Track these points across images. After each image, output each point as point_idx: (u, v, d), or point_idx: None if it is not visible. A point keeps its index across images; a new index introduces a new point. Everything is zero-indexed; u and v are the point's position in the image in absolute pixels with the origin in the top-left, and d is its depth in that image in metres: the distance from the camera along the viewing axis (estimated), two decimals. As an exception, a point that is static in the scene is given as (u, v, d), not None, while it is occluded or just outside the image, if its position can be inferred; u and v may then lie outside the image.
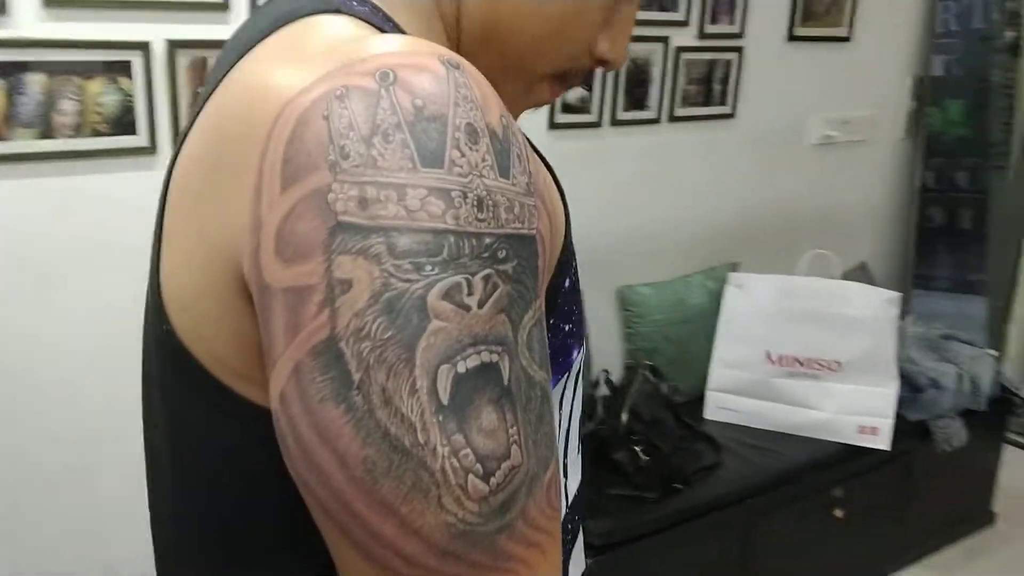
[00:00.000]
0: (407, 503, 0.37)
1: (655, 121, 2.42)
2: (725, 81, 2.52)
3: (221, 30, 1.74)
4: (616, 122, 2.35)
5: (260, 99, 0.44)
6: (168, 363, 0.50)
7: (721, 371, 2.45)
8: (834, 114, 2.80)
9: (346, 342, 0.38)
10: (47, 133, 1.65)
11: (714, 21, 2.43)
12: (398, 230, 0.38)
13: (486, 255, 0.39)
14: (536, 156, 0.55)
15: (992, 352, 2.75)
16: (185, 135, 0.51)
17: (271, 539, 0.50)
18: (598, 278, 2.48)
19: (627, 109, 2.35)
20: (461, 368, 0.38)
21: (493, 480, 0.38)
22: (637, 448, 2.06)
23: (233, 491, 0.50)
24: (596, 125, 2.32)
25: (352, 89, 0.40)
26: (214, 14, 1.73)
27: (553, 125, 2.24)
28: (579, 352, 0.57)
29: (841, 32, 2.73)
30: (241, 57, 0.49)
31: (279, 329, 0.40)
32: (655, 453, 2.09)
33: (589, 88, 0.72)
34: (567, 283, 0.53)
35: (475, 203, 0.39)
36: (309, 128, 0.40)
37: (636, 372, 2.25)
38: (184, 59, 1.72)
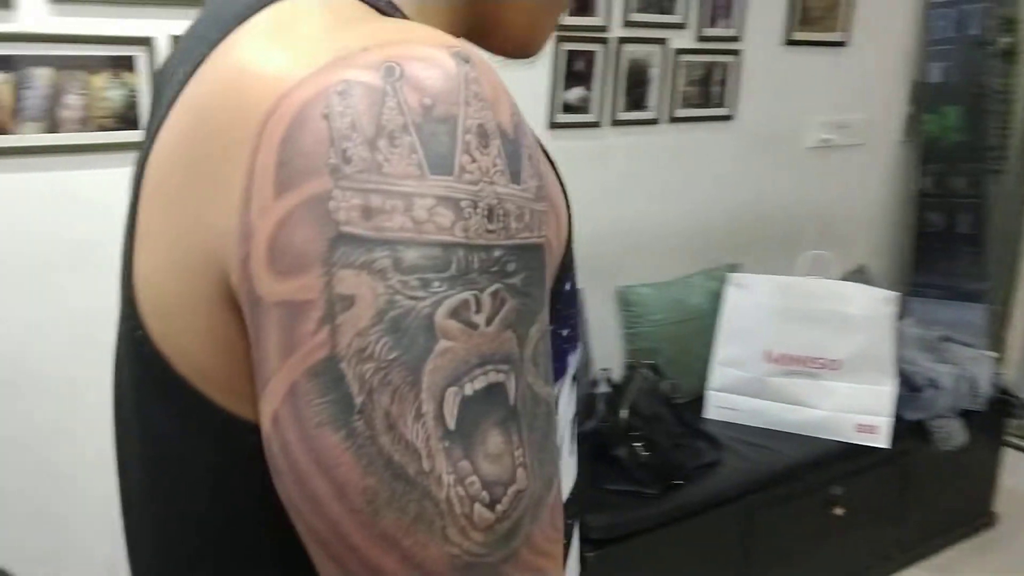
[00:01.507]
0: (410, 535, 0.35)
1: (654, 122, 2.44)
2: (723, 83, 2.54)
3: (225, 27, 1.76)
4: (616, 122, 2.37)
5: (249, 89, 0.40)
6: (142, 371, 0.46)
7: (721, 370, 2.46)
8: (831, 118, 2.83)
9: (347, 362, 0.35)
10: (53, 127, 1.67)
11: (712, 24, 2.46)
12: (404, 243, 0.35)
13: (495, 269, 0.37)
14: (541, 152, 0.50)
15: (991, 354, 2.76)
16: (161, 121, 0.46)
17: (260, 567, 0.46)
18: (597, 278, 2.49)
19: (627, 109, 2.38)
20: (468, 390, 0.36)
21: (499, 507, 0.36)
22: (636, 444, 2.07)
23: (216, 514, 0.46)
24: (595, 125, 2.34)
25: (354, 84, 0.37)
26: (218, 11, 1.75)
27: (552, 124, 2.27)
28: (574, 355, 0.55)
29: (837, 37, 2.76)
30: (225, 34, 0.44)
31: (272, 346, 0.37)
32: (654, 449, 2.09)
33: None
34: (567, 287, 0.51)
35: (485, 213, 0.37)
36: (307, 127, 0.36)
37: (636, 370, 2.26)
38: (188, 55, 1.74)
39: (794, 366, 2.38)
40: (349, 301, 0.35)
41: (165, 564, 0.50)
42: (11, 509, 1.77)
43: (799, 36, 2.66)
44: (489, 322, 0.37)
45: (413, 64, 0.38)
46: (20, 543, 1.76)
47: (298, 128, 0.37)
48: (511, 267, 0.38)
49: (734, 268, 2.63)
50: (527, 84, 2.21)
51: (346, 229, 0.35)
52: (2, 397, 1.72)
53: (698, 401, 2.47)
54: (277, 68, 0.39)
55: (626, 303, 2.53)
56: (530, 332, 0.39)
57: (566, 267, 0.49)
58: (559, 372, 0.52)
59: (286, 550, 0.40)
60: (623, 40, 2.31)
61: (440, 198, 0.36)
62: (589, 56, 2.27)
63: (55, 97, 1.66)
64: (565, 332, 0.51)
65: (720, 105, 2.56)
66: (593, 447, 2.18)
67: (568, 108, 2.28)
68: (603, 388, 2.33)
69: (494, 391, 0.37)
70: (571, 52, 2.23)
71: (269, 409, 0.37)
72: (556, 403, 0.54)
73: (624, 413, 2.11)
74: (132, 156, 1.73)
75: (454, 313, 0.36)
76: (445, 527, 0.35)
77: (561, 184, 0.53)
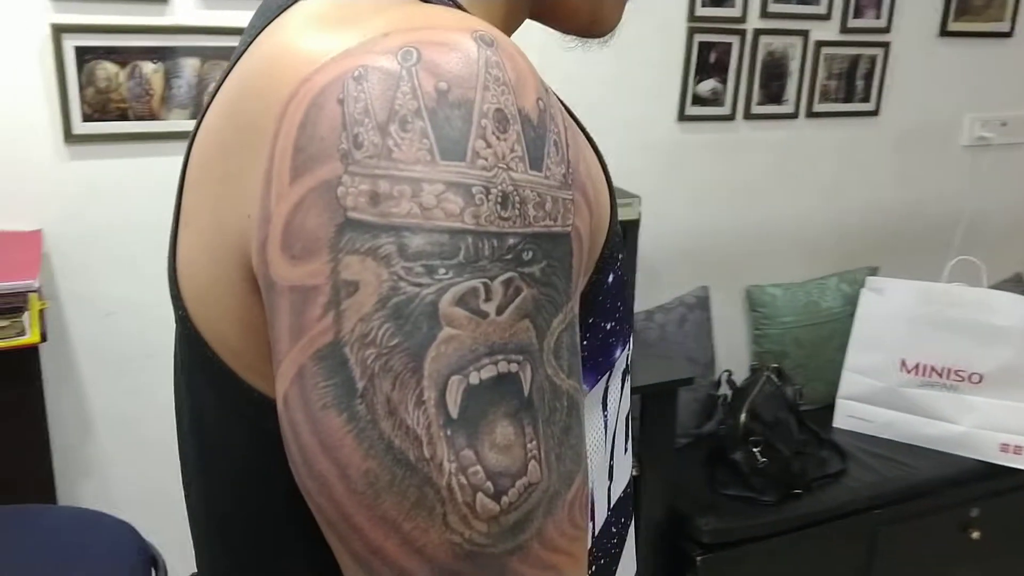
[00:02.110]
0: (410, 520, 0.35)
1: (792, 116, 2.35)
2: (869, 77, 2.42)
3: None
4: (750, 116, 2.30)
5: (275, 76, 0.40)
6: (187, 349, 0.47)
7: (852, 378, 2.35)
8: (990, 114, 2.64)
9: (350, 347, 0.35)
10: (198, 113, 1.77)
11: (858, 15, 2.34)
12: (410, 229, 0.35)
13: (509, 257, 0.36)
14: (582, 137, 0.48)
15: None
16: (207, 108, 0.47)
17: (293, 542, 0.46)
18: (726, 276, 2.43)
19: (762, 103, 2.30)
20: (474, 379, 0.35)
21: (505, 499, 0.35)
22: (755, 449, 2.01)
23: (253, 490, 0.46)
24: (729, 118, 2.28)
25: (371, 70, 0.36)
26: (354, 4, 1.81)
27: (683, 117, 2.22)
28: (623, 350, 0.53)
29: (1002, 27, 2.57)
30: (268, 23, 0.44)
31: (284, 329, 0.37)
32: (774, 456, 2.03)
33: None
34: (611, 278, 0.48)
35: (499, 200, 0.36)
36: (323, 112, 0.36)
37: (760, 373, 2.19)
38: (324, 46, 1.81)
39: (932, 377, 2.25)
40: (354, 287, 0.35)
41: (213, 536, 0.52)
42: (176, 504, 1.90)
43: (957, 27, 2.50)
44: (501, 311, 0.36)
45: (431, 48, 0.37)
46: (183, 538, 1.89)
47: (315, 113, 0.37)
48: (528, 255, 0.37)
49: (873, 272, 2.51)
50: (657, 75, 2.18)
51: (353, 215, 0.35)
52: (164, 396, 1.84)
53: (827, 409, 2.37)
54: (302, 55, 0.39)
55: (755, 303, 2.46)
56: (552, 323, 0.38)
57: (608, 258, 0.48)
58: (605, 366, 0.51)
59: (315, 526, 0.40)
60: (760, 32, 2.23)
61: (450, 184, 0.35)
62: (724, 48, 2.21)
63: (200, 85, 1.76)
64: (609, 325, 0.49)
65: (865, 100, 2.43)
66: (710, 450, 2.14)
67: (699, 100, 2.22)
68: (724, 390, 2.27)
69: (505, 381, 0.36)
70: (704, 44, 2.18)
71: (281, 390, 0.38)
72: (599, 394, 0.52)
73: (743, 417, 2.05)
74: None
75: (460, 301, 0.35)
76: (446, 514, 0.35)
77: (606, 172, 0.51)
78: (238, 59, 0.45)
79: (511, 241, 0.36)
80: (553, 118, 0.39)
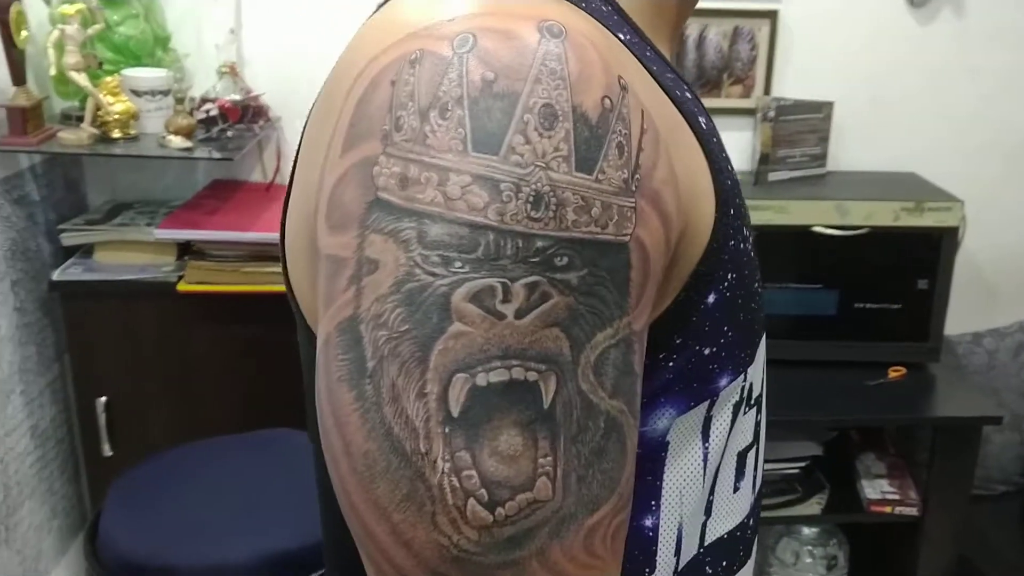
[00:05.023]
0: (400, 511, 0.35)
1: None
2: None
3: None
4: None
5: (358, 49, 0.41)
6: (290, 303, 0.50)
7: None
8: None
9: (366, 325, 0.36)
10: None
11: None
12: (431, 217, 0.35)
13: (535, 260, 0.35)
14: (688, 140, 0.44)
15: None
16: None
17: None
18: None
19: None
20: (481, 380, 0.34)
21: (500, 511, 0.34)
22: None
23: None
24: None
25: (427, 54, 0.37)
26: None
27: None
28: (733, 380, 0.48)
29: None
30: (381, 5, 0.45)
31: (321, 296, 0.39)
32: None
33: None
34: (711, 299, 0.45)
35: (530, 199, 0.35)
36: (377, 92, 0.37)
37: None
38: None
39: None
40: (374, 265, 0.36)
41: (318, 495, 0.55)
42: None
43: None
44: (521, 315, 0.35)
45: (488, 36, 0.36)
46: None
47: (370, 92, 0.38)
48: (562, 261, 0.35)
49: None
50: (1012, 53, 1.86)
51: (383, 195, 0.36)
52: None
53: None
54: (380, 34, 0.40)
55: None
56: (595, 337, 0.36)
57: (705, 276, 0.44)
58: (705, 394, 0.47)
59: None
60: None
61: (477, 177, 0.35)
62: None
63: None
64: (709, 350, 0.46)
65: None
66: (1022, 507, 1.83)
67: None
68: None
69: (518, 388, 0.35)
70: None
71: (317, 355, 0.39)
72: (696, 422, 0.48)
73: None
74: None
75: (474, 297, 0.35)
76: (435, 514, 0.34)
77: (717, 183, 0.45)
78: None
79: (540, 244, 0.35)
80: (623, 118, 0.37)
